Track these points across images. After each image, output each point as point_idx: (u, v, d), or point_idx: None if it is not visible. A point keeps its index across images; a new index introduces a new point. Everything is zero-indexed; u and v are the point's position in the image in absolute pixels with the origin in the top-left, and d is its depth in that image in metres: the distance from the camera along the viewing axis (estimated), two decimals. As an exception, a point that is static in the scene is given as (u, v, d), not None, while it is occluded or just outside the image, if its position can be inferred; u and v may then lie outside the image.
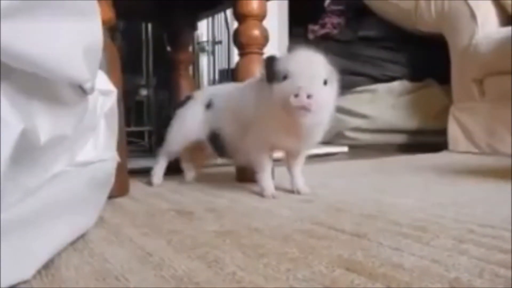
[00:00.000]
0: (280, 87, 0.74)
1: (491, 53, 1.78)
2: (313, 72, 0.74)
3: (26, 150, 0.41)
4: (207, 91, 1.06)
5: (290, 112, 0.73)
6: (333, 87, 0.78)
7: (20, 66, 0.39)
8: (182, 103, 1.07)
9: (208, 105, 0.98)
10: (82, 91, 0.48)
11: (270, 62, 0.78)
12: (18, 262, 0.40)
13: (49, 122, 0.44)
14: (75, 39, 0.44)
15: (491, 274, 0.42)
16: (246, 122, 0.86)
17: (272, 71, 0.76)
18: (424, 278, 0.41)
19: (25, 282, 0.41)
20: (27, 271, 0.41)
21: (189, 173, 1.09)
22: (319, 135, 0.83)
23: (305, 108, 0.71)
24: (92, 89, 0.48)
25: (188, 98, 1.07)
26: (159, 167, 1.05)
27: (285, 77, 0.74)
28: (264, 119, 0.81)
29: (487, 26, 1.89)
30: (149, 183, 1.03)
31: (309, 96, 0.70)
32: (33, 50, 0.39)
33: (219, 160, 1.11)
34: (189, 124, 1.01)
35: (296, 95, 0.70)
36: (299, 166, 0.91)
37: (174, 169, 1.10)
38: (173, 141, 1.04)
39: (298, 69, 0.73)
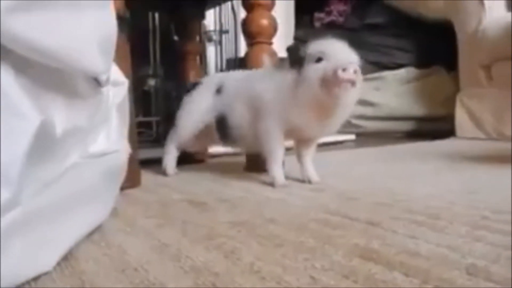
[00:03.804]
0: (319, 66, 0.76)
1: (499, 38, 1.77)
2: (351, 54, 0.77)
3: (43, 143, 0.41)
4: (216, 77, 1.06)
5: (330, 89, 0.74)
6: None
7: (36, 58, 0.39)
8: (190, 89, 1.06)
9: (218, 91, 0.98)
10: (97, 83, 0.48)
11: (295, 49, 0.81)
12: (39, 254, 0.41)
13: (65, 114, 0.44)
14: (90, 30, 0.44)
15: (507, 259, 0.42)
16: (258, 109, 0.86)
17: (299, 56, 0.79)
18: (441, 265, 0.41)
19: (46, 273, 0.41)
20: (48, 263, 0.41)
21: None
22: (344, 118, 0.84)
23: (352, 81, 0.73)
24: (107, 81, 0.49)
25: (196, 84, 1.06)
26: (171, 157, 1.05)
27: (319, 59, 0.76)
28: (288, 103, 0.81)
29: (495, 11, 1.87)
30: (164, 174, 1.03)
31: (355, 71, 0.73)
32: (48, 41, 0.38)
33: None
34: (198, 109, 1.01)
35: (344, 69, 0.72)
36: (310, 155, 0.91)
37: (183, 160, 1.10)
38: (183, 127, 1.03)
39: (338, 51, 0.76)
